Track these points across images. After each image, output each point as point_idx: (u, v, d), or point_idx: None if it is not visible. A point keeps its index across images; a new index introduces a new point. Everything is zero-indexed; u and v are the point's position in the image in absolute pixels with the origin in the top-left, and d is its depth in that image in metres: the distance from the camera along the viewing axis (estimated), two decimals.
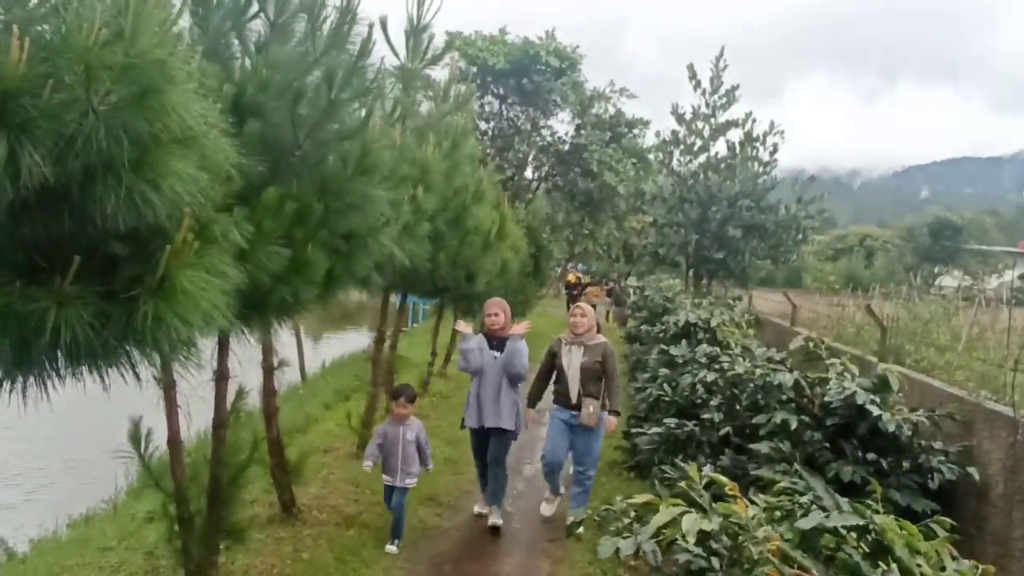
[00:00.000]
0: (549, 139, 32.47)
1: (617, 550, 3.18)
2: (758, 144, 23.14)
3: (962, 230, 57.55)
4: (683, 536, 2.35)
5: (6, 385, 3.01)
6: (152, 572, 5.28)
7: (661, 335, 9.07)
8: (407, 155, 6.81)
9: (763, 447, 4.47)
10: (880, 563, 2.24)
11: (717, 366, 6.15)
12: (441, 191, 8.43)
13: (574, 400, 6.53)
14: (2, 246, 2.44)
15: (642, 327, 13.05)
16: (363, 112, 5.02)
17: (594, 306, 27.02)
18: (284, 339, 9.77)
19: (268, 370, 6.35)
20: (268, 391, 6.36)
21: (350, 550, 6.00)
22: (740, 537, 2.36)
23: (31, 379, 3.04)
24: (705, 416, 6.46)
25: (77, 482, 9.06)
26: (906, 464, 4.84)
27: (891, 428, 4.66)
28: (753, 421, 4.68)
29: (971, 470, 4.88)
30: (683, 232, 22.97)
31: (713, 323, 8.71)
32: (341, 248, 5.18)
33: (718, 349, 6.89)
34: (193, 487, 4.84)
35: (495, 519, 6.72)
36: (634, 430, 7.86)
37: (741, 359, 6.17)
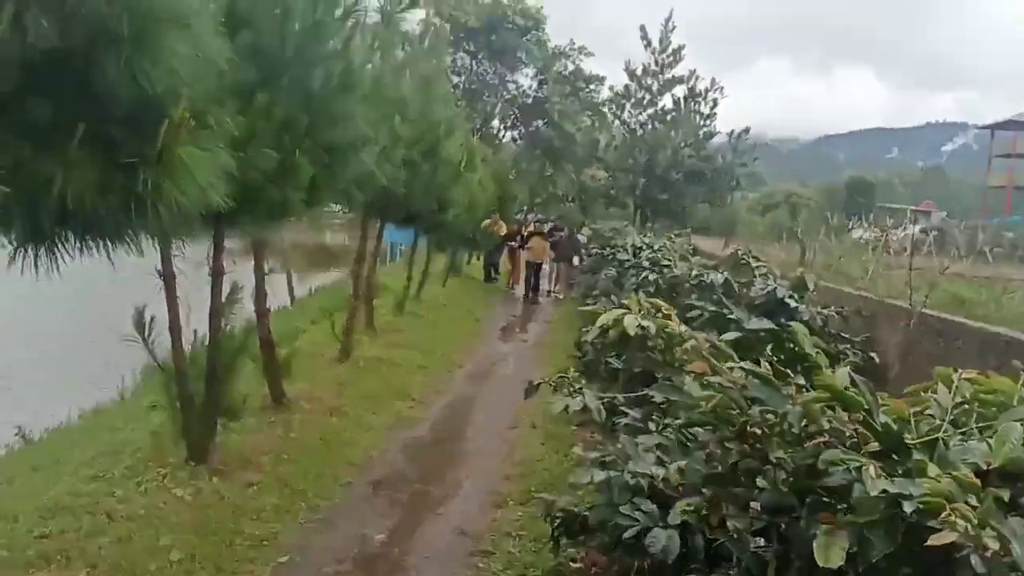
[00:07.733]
0: (515, 92, 32.01)
1: (566, 407, 3.26)
2: (700, 99, 23.20)
3: (875, 188, 58.56)
4: (625, 332, 2.44)
5: (19, 258, 2.98)
6: (157, 448, 5.27)
7: (611, 256, 9.14)
8: (385, 86, 6.69)
9: (697, 334, 4.58)
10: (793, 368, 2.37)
11: (658, 268, 6.22)
12: (416, 123, 8.33)
13: None
14: (13, 106, 2.37)
15: (594, 251, 13.08)
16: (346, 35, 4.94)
17: (540, 265, 22.47)
18: (273, 278, 9.60)
19: (259, 274, 6.30)
20: (260, 293, 6.30)
21: (334, 432, 6.08)
22: (673, 340, 2.47)
23: (42, 249, 3.00)
24: None
25: (87, 379, 8.97)
26: None
27: (806, 317, 4.81)
28: (688, 315, 4.79)
29: (872, 355, 5.11)
30: (632, 176, 23.09)
31: (656, 246, 8.82)
32: (324, 159, 5.12)
33: (659, 255, 6.96)
34: (192, 369, 4.83)
35: None
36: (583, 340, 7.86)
37: (679, 264, 6.26)
